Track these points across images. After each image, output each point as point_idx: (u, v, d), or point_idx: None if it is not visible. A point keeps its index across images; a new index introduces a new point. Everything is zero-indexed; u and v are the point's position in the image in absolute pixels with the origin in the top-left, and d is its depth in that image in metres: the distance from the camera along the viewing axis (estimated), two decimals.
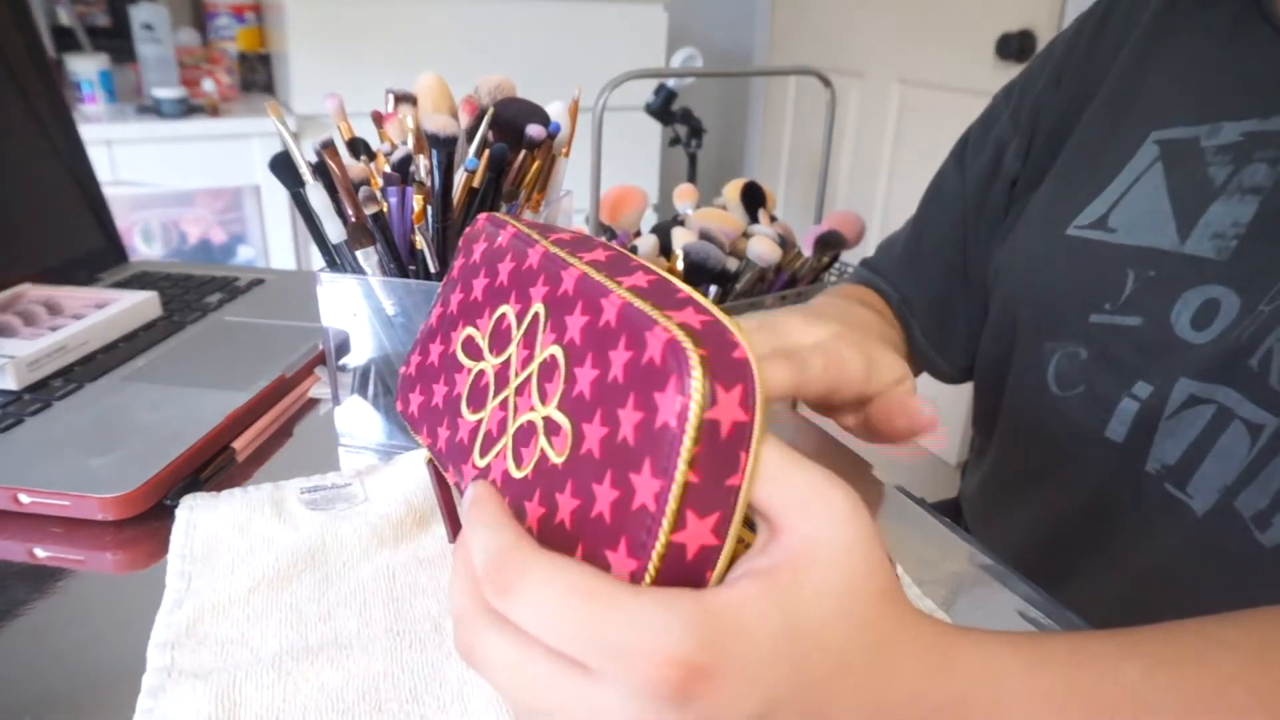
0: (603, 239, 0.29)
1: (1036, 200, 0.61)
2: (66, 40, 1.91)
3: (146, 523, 0.46)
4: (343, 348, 0.53)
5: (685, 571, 0.24)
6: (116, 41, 1.94)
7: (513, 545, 0.25)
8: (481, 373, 0.30)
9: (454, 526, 0.44)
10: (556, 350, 0.26)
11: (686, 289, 0.25)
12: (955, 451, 2.09)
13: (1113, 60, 0.59)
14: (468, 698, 0.34)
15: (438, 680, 0.35)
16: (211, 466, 0.51)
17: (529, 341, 0.28)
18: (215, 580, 0.41)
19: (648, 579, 0.23)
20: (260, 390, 0.56)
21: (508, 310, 0.29)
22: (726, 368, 0.23)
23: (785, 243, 1.54)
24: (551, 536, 0.26)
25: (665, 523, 0.23)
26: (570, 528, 0.25)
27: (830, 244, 1.57)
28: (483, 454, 0.28)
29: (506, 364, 0.29)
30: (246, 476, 0.51)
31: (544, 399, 0.26)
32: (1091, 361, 0.54)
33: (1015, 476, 0.63)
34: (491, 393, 0.29)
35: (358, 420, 0.55)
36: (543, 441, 0.26)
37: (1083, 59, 0.61)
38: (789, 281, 1.58)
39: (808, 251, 1.56)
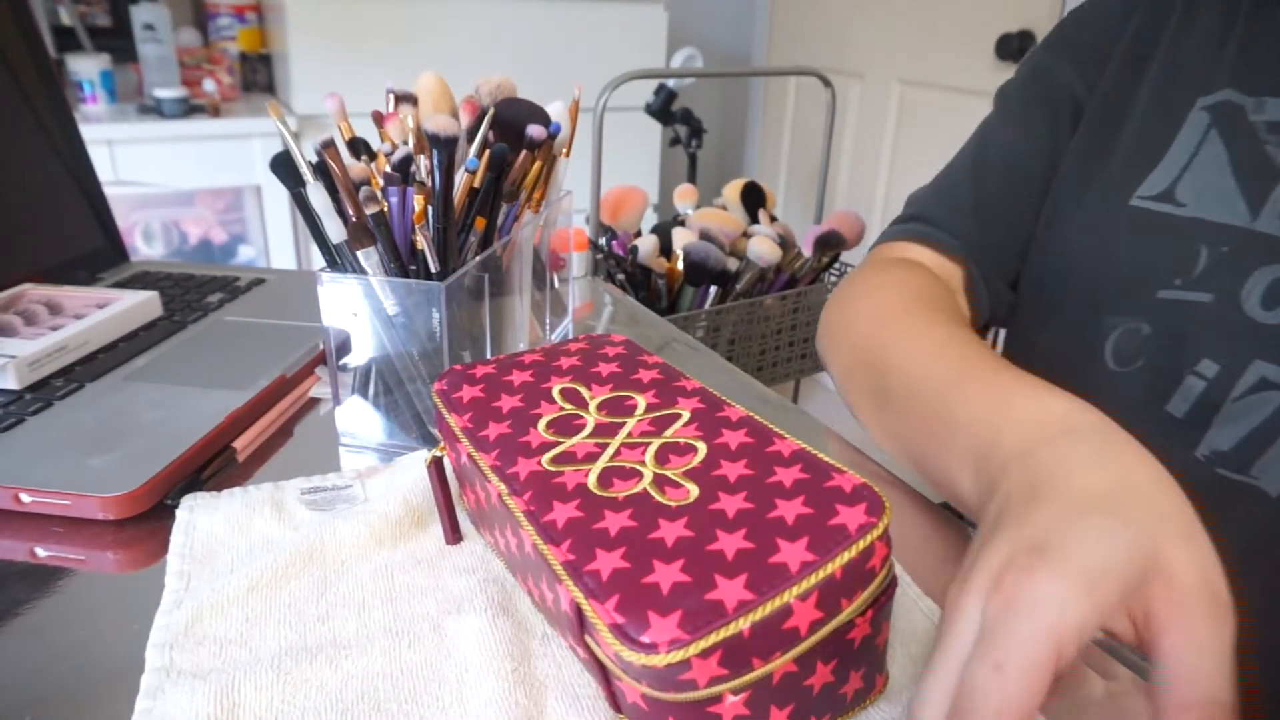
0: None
1: (1091, 168, 0.58)
2: (67, 40, 1.92)
3: (147, 522, 0.46)
4: (343, 348, 0.53)
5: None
6: (117, 41, 1.94)
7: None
8: (579, 416, 0.41)
9: (452, 527, 0.44)
10: (700, 444, 0.37)
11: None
12: None
13: (1169, 21, 0.57)
14: (466, 699, 0.34)
15: (436, 680, 0.35)
16: (212, 466, 0.51)
17: (660, 425, 0.39)
18: (214, 580, 0.41)
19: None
20: (261, 390, 0.56)
21: (639, 398, 0.42)
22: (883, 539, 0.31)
23: (785, 243, 1.55)
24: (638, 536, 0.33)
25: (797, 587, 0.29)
26: (670, 546, 0.31)
27: (830, 244, 1.57)
28: (554, 462, 0.38)
29: (618, 425, 0.39)
30: (247, 476, 0.51)
31: (661, 462, 0.36)
32: (1154, 337, 0.52)
33: None
34: (587, 432, 0.39)
35: (358, 420, 0.55)
36: (647, 484, 0.35)
37: (1152, 12, 0.58)
38: (789, 282, 1.58)
39: (808, 251, 1.56)
